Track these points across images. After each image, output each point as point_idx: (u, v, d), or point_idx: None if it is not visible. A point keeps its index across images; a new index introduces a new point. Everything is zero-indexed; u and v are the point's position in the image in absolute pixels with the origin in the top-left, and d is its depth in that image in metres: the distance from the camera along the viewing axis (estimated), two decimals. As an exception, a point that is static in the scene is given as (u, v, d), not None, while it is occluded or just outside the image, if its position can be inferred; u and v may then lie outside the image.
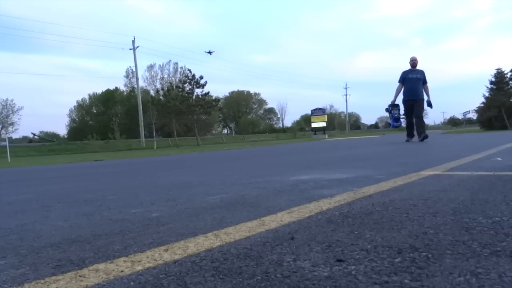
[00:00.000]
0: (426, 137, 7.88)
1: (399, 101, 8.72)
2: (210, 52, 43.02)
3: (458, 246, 0.88)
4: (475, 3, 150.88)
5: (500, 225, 1.04)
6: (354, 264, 0.80)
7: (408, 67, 8.50)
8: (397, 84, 8.55)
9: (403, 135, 9.01)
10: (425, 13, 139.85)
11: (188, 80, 32.53)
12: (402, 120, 9.29)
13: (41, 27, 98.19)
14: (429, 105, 8.28)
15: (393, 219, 1.18)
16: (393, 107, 8.96)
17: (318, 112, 36.59)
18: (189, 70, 32.95)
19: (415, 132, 8.33)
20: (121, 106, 57.68)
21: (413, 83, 8.28)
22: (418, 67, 8.48)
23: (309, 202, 1.57)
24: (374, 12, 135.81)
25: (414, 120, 8.24)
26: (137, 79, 34.52)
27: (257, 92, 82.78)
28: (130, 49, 34.12)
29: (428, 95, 8.29)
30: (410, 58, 8.46)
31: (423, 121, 8.50)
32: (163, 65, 51.81)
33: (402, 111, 8.88)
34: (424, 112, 9.05)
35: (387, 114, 9.48)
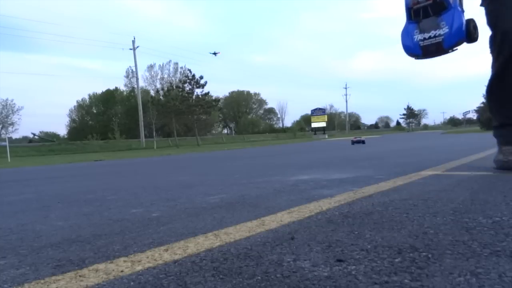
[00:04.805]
0: None
1: None
2: (215, 53, 42.89)
3: (458, 246, 0.87)
4: (474, 2, 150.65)
5: (500, 225, 1.04)
6: (354, 264, 0.80)
7: None
8: None
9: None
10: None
11: (188, 80, 32.60)
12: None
13: (41, 27, 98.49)
14: None
15: (393, 219, 1.18)
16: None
17: (318, 112, 36.65)
18: (189, 70, 33.09)
19: None
20: (121, 106, 57.69)
21: None
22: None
23: (309, 202, 1.57)
24: (374, 12, 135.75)
25: None
26: (137, 79, 34.55)
27: (257, 92, 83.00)
28: (130, 49, 34.15)
29: None
30: None
31: None
32: (163, 65, 51.92)
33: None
34: None
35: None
